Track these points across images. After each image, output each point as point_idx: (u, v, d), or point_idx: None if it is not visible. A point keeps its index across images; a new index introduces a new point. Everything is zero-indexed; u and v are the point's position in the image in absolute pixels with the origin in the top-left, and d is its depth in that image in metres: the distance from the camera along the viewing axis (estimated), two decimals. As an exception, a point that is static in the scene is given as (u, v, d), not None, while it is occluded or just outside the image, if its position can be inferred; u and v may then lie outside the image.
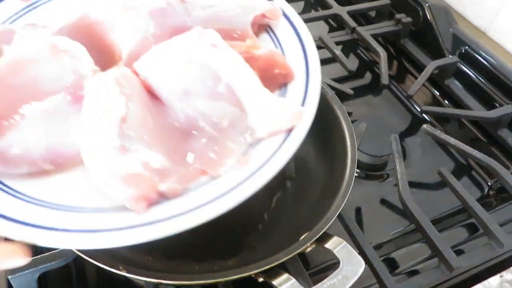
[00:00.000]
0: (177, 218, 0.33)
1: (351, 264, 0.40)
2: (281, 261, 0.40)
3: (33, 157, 0.36)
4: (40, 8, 0.47)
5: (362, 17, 0.87)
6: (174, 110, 0.37)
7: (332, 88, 0.63)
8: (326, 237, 0.42)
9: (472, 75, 0.72)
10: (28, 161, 0.36)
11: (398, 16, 0.79)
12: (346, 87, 0.67)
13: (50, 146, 0.36)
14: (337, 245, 0.41)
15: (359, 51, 0.81)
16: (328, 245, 0.42)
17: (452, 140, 0.60)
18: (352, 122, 0.52)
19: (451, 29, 0.76)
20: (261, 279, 0.41)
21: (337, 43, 0.74)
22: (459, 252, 0.52)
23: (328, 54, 0.74)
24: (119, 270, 0.39)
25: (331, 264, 0.50)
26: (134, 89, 0.36)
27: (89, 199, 0.35)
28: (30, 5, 0.47)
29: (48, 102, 0.37)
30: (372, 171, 0.61)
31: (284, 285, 0.39)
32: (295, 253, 0.40)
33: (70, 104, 0.37)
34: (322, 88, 0.55)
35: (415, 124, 0.69)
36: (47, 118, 0.36)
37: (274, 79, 0.41)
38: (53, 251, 0.44)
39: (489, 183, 0.62)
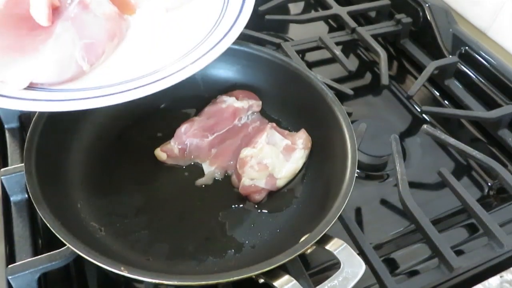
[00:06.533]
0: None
1: (351, 266, 0.40)
2: (282, 262, 0.40)
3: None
4: None
5: (362, 18, 0.87)
6: None
7: (332, 88, 0.63)
8: (326, 238, 0.42)
9: (472, 75, 0.72)
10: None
11: (398, 16, 0.79)
12: (346, 87, 0.67)
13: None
14: (338, 247, 0.41)
15: (359, 51, 0.81)
16: (328, 246, 0.42)
17: (452, 140, 0.60)
18: (352, 122, 0.53)
19: (451, 29, 0.76)
20: (261, 280, 0.41)
21: (337, 43, 0.74)
22: (459, 252, 0.52)
23: (328, 54, 0.74)
24: (119, 270, 0.39)
25: (332, 265, 0.50)
26: None
27: None
28: None
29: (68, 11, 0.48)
30: (372, 171, 0.62)
31: (285, 287, 0.39)
32: (296, 254, 0.40)
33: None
34: (322, 90, 0.56)
35: (415, 124, 0.69)
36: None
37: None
38: (53, 252, 0.44)
39: (489, 183, 0.62)
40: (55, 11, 0.48)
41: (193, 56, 0.48)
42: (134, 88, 0.45)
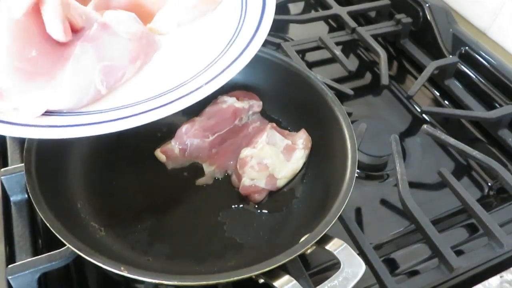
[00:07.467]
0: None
1: (351, 266, 0.40)
2: (282, 262, 0.40)
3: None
4: None
5: (362, 18, 0.87)
6: None
7: (332, 88, 0.63)
8: (326, 239, 0.42)
9: (472, 75, 0.72)
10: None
11: (398, 16, 0.79)
12: (346, 87, 0.67)
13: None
14: (338, 247, 0.41)
15: (359, 52, 0.81)
16: (328, 246, 0.42)
17: (452, 140, 0.60)
18: (352, 122, 0.53)
19: (451, 29, 0.76)
20: (261, 280, 0.41)
21: (337, 44, 0.74)
22: (459, 253, 0.52)
23: (328, 54, 0.74)
24: (119, 270, 0.39)
25: (332, 265, 0.50)
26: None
27: None
28: None
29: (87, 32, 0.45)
30: (372, 171, 0.62)
31: (285, 287, 0.39)
32: (296, 254, 0.40)
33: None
34: (322, 90, 0.56)
35: (415, 124, 0.69)
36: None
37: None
38: (53, 252, 0.44)
39: (489, 184, 0.62)
40: (78, 33, 0.45)
41: (211, 73, 0.46)
42: (149, 110, 0.43)
